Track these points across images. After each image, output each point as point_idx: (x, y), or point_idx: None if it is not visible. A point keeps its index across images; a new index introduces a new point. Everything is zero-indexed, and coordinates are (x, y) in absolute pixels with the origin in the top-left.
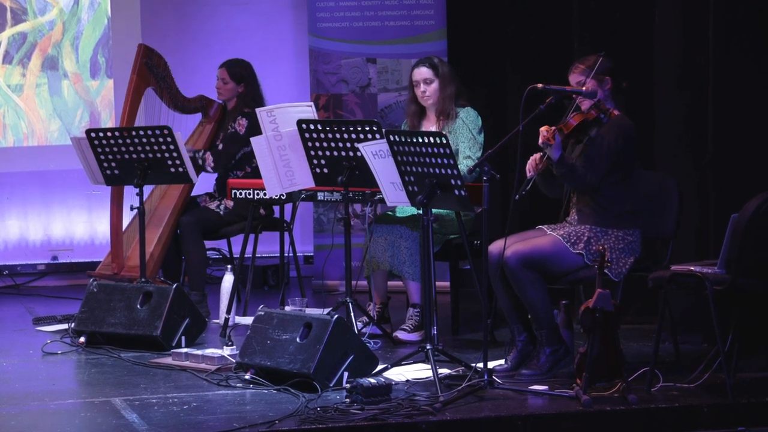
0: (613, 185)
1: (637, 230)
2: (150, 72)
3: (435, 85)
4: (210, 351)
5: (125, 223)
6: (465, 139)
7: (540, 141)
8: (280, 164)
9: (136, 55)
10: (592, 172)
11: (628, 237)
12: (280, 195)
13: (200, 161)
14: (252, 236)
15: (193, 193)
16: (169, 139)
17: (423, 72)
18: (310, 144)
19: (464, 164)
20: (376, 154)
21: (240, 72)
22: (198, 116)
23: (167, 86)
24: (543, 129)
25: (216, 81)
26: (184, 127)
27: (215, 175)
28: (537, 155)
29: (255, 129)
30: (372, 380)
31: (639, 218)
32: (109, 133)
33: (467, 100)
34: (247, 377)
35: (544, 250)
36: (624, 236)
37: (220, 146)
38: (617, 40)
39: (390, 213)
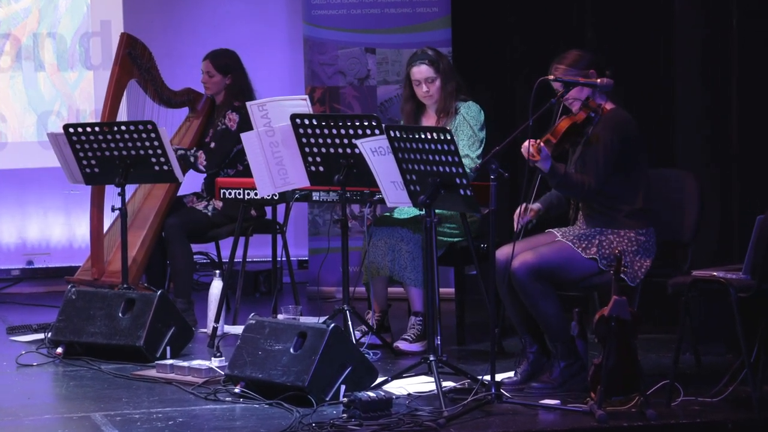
0: (617, 184)
1: (650, 228)
2: (133, 63)
3: (437, 83)
4: (197, 363)
5: (106, 225)
6: (465, 136)
7: (525, 155)
8: (273, 162)
9: (119, 44)
10: (590, 176)
11: (640, 237)
12: (273, 195)
13: (192, 158)
14: (242, 239)
15: (180, 193)
16: (153, 135)
17: (423, 71)
18: (304, 140)
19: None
20: (375, 151)
21: (225, 62)
22: (185, 110)
23: (152, 78)
24: (526, 143)
25: (201, 75)
26: (170, 122)
27: (203, 174)
28: (522, 206)
29: (247, 123)
30: (371, 394)
31: (651, 215)
32: (88, 129)
33: (468, 93)
34: (236, 391)
35: (554, 259)
36: (636, 236)
37: (212, 144)
38: (634, 27)
39: (390, 214)
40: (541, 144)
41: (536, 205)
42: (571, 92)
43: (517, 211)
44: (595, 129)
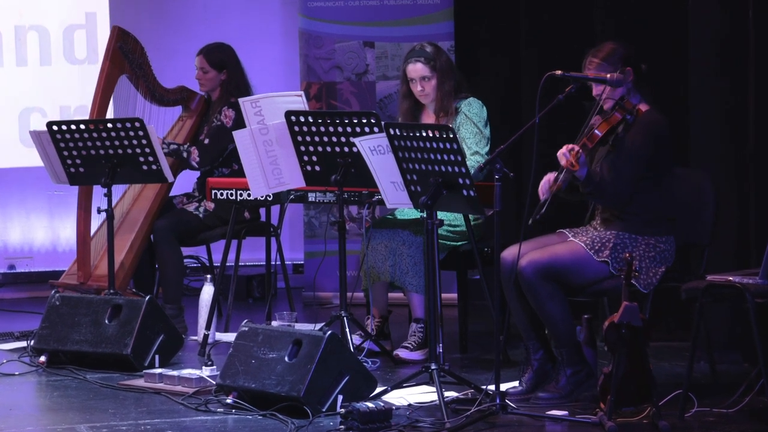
0: (645, 190)
1: (670, 237)
2: (125, 58)
3: (433, 81)
4: (187, 372)
5: (94, 227)
6: (470, 133)
7: (563, 164)
8: (266, 161)
9: (110, 38)
10: (621, 182)
11: (660, 245)
12: (267, 196)
13: (185, 153)
14: (234, 242)
15: (171, 194)
16: (141, 133)
17: (419, 69)
18: (299, 138)
19: (472, 161)
20: (374, 149)
21: (220, 57)
22: (177, 110)
23: (144, 74)
24: (564, 150)
25: (195, 71)
26: (162, 121)
27: (196, 174)
28: (550, 176)
29: (243, 120)
30: (370, 404)
31: (673, 224)
32: (73, 126)
33: (469, 91)
34: (229, 401)
35: (564, 259)
36: (656, 243)
37: (206, 141)
38: (646, 20)
39: (390, 216)
40: (581, 152)
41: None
42: (604, 89)
43: (546, 178)
44: (628, 132)
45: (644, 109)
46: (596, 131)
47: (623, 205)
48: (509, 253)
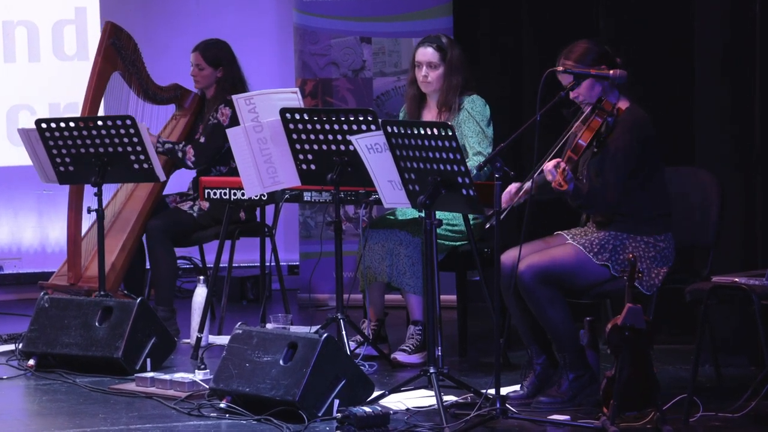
0: (635, 190)
1: (668, 234)
2: (117, 54)
3: (440, 71)
4: (179, 375)
5: (85, 227)
6: (473, 132)
7: (553, 185)
8: (261, 160)
9: (102, 33)
10: (610, 189)
11: (659, 243)
12: (261, 195)
13: (179, 153)
14: (228, 243)
15: (164, 193)
16: (132, 131)
17: (428, 54)
18: (295, 136)
19: (474, 161)
20: (371, 147)
21: (216, 54)
22: (171, 108)
23: (137, 71)
24: (550, 166)
25: (187, 68)
26: (155, 120)
27: (192, 173)
28: (513, 187)
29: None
30: (367, 409)
31: (670, 220)
32: (62, 124)
33: (474, 89)
34: (222, 405)
35: (563, 263)
36: (655, 242)
37: (202, 139)
38: (650, 17)
39: (390, 216)
40: (568, 169)
41: (527, 185)
42: (581, 90)
43: (508, 189)
44: (611, 134)
45: (624, 107)
46: (580, 141)
47: (613, 210)
48: (508, 257)
